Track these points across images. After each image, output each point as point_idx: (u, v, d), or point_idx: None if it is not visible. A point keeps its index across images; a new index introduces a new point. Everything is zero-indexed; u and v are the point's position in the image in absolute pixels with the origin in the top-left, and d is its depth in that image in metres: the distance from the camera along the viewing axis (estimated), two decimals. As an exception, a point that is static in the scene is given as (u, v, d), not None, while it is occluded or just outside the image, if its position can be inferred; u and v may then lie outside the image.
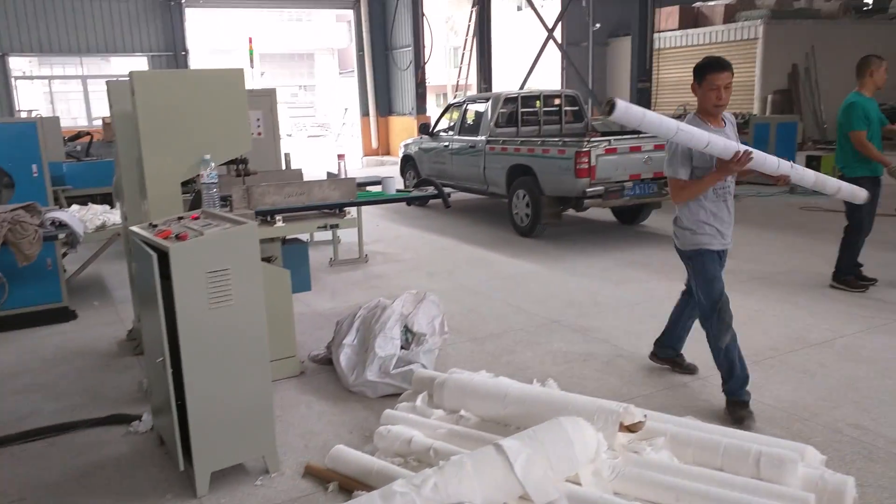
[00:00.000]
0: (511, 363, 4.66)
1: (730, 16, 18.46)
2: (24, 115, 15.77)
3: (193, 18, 18.96)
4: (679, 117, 13.33)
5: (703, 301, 3.84)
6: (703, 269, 3.83)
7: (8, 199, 5.58)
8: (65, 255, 6.42)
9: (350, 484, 3.14)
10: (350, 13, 21.41)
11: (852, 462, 3.27)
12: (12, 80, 16.47)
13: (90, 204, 6.86)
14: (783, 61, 17.70)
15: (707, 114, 3.69)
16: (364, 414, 3.93)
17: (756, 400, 3.86)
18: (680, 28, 19.39)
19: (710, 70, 3.57)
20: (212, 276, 2.99)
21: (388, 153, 20.53)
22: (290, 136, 37.63)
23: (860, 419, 3.67)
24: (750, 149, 3.54)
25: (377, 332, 4.21)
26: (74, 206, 6.89)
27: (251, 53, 8.15)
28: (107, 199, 8.40)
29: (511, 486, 2.75)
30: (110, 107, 4.65)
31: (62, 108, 19.79)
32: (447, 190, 11.11)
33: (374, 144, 21.09)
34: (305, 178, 4.90)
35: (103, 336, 5.52)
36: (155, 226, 3.30)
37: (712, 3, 19.46)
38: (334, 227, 4.45)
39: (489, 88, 17.95)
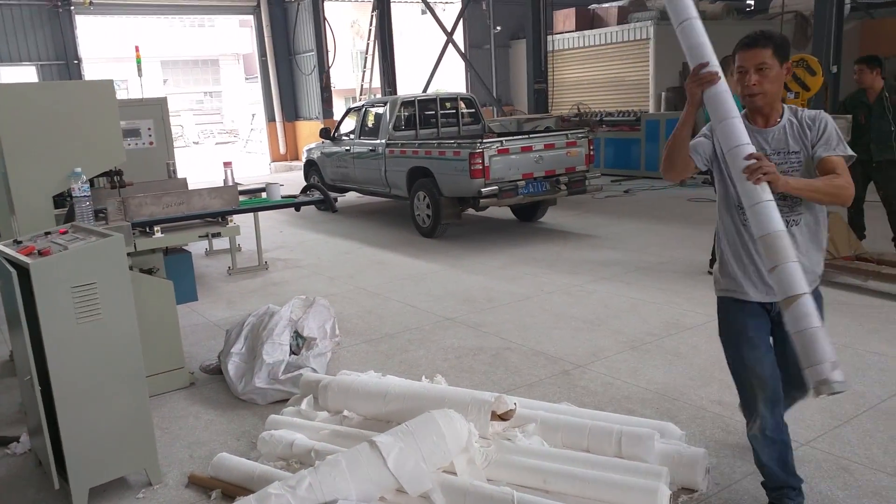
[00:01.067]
0: (404, 362, 4.78)
1: (623, 17, 19.23)
2: None
3: (86, 26, 18.22)
4: (576, 116, 13.73)
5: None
6: (722, 324, 2.86)
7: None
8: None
9: (233, 490, 3.17)
10: (250, 18, 21.08)
11: (711, 435, 3.55)
12: None
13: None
14: (674, 60, 18.59)
15: (750, 108, 2.68)
16: (253, 421, 3.95)
17: (631, 383, 4.11)
18: (577, 30, 20.05)
19: (737, 49, 2.63)
20: (77, 290, 2.96)
21: (296, 158, 20.31)
22: (196, 143, 36.60)
23: (723, 396, 3.96)
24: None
25: (265, 339, 4.24)
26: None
27: (139, 62, 7.90)
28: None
29: (385, 480, 2.86)
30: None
31: None
32: (350, 193, 11.22)
33: (283, 150, 20.83)
34: (205, 186, 4.86)
35: None
36: (20, 242, 3.24)
37: (606, 4, 20.21)
38: (216, 235, 4.44)
39: (393, 92, 18.06)
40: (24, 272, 2.93)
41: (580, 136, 8.80)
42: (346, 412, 3.61)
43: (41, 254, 2.98)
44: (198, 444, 3.73)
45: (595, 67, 19.38)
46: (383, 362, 4.77)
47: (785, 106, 2.70)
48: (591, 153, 8.89)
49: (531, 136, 8.19)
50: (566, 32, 20.15)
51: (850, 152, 2.59)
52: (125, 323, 3.12)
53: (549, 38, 18.13)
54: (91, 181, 4.08)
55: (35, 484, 3.41)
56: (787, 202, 2.61)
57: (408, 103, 10.31)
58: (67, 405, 3.01)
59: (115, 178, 4.29)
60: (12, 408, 4.34)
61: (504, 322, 5.53)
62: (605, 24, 19.77)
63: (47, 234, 3.38)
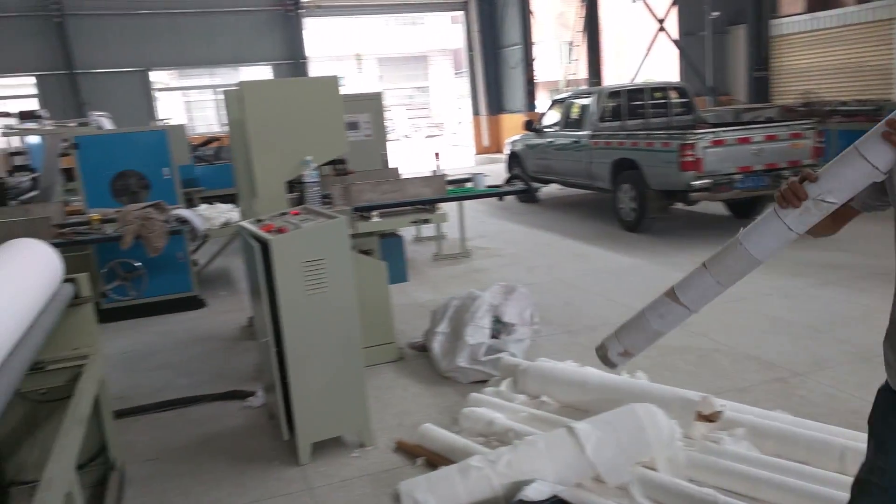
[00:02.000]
0: (602, 355, 4.72)
1: (863, -4, 17.25)
2: (158, 125, 17.23)
3: (311, 27, 19.94)
4: (804, 105, 12.34)
5: None
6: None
7: (144, 198, 6.26)
8: (196, 249, 7.07)
9: (436, 459, 3.36)
10: (460, 14, 21.78)
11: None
12: (153, 92, 18.02)
13: (216, 203, 7.49)
14: (925, 41, 16.35)
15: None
16: (455, 398, 4.14)
17: (859, 397, 3.73)
18: (807, 11, 18.31)
19: None
20: (308, 265, 3.29)
21: (499, 150, 20.69)
22: (407, 136, 38.60)
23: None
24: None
25: (468, 322, 4.41)
26: (203, 206, 7.56)
27: (358, 60, 8.60)
28: (232, 199, 9.11)
29: (583, 467, 2.87)
30: (227, 113, 5.12)
31: (198, 116, 21.36)
32: (551, 185, 11.22)
33: (486, 142, 21.32)
34: (409, 177, 5.17)
35: (227, 322, 6.06)
36: (261, 220, 3.66)
37: (844, -18, 18.24)
38: (425, 221, 4.68)
39: (599, 83, 17.72)
40: (264, 247, 3.31)
41: (807, 126, 8.05)
42: (544, 397, 3.66)
43: (279, 231, 3.35)
44: (405, 413, 3.98)
45: (827, 52, 17.57)
46: (581, 353, 4.74)
47: None
48: (821, 145, 8.10)
49: (750, 126, 7.63)
50: (793, 15, 18.48)
51: None
52: (346, 297, 3.41)
53: (773, 22, 16.73)
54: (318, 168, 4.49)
55: (268, 434, 3.86)
56: None
57: (614, 94, 10.09)
58: (297, 366, 3.37)
59: (338, 166, 4.68)
60: (249, 367, 4.92)
61: (713, 322, 5.24)
62: (841, 5, 17.84)
63: (282, 214, 3.78)
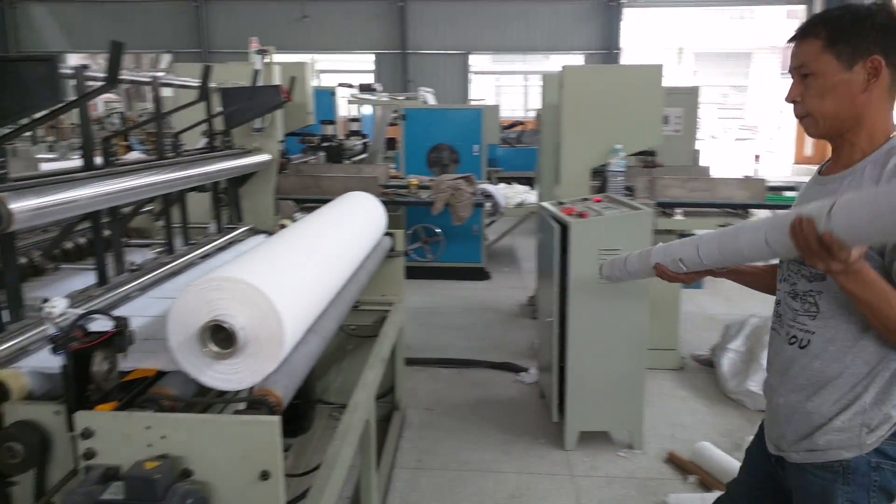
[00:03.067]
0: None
1: None
2: (473, 104, 18.33)
3: (629, 18, 19.61)
4: None
5: None
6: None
7: (453, 171, 6.74)
8: (489, 224, 7.44)
9: (710, 481, 3.14)
10: (800, 8, 19.73)
11: None
12: (470, 74, 19.24)
13: (514, 184, 7.80)
14: None
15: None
16: (739, 422, 3.82)
17: None
18: None
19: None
20: (603, 253, 3.24)
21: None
22: (714, 137, 36.34)
23: None
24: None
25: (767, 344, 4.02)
26: (501, 185, 7.92)
27: (680, 53, 8.19)
28: (528, 182, 9.41)
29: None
30: (542, 97, 5.25)
31: (505, 100, 22.37)
32: None
33: (809, 151, 19.20)
34: (722, 177, 4.85)
35: (508, 297, 6.30)
36: (562, 203, 3.70)
37: None
38: (734, 226, 4.33)
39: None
40: (563, 229, 3.34)
41: None
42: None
43: (580, 216, 3.35)
44: (680, 426, 3.78)
45: None
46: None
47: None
48: None
49: None
50: None
51: None
52: (638, 293, 3.31)
53: None
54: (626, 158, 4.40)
55: (536, 412, 3.94)
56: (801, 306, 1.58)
57: None
58: (578, 352, 3.37)
59: (647, 158, 4.54)
60: (524, 344, 5.06)
61: None
62: None
63: (584, 199, 3.78)
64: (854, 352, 1.51)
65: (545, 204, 3.77)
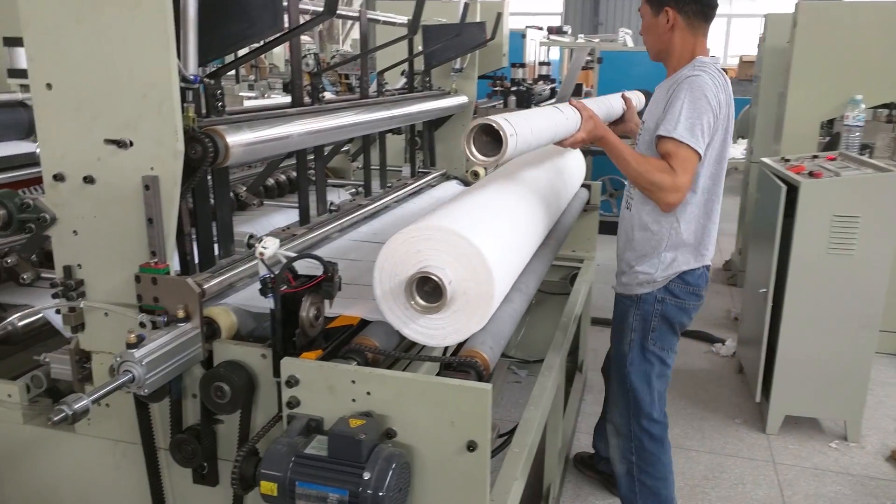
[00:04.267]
0: None
1: None
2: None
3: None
4: None
5: None
6: None
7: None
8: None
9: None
10: None
11: None
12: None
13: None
14: None
15: None
16: (981, 425, 3.25)
17: None
18: None
19: None
20: (838, 220, 2.82)
21: None
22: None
23: None
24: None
25: None
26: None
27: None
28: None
29: None
30: (762, 41, 4.66)
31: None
32: None
33: None
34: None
35: (701, 260, 5.83)
36: (787, 160, 3.25)
37: None
38: None
39: None
40: (791, 190, 2.93)
41: None
42: None
43: (812, 175, 2.92)
44: (906, 421, 3.29)
45: None
46: None
47: (696, 61, 2.10)
48: None
49: None
50: None
51: (690, 141, 1.96)
52: (877, 267, 2.85)
53: None
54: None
55: (732, 388, 3.60)
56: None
57: None
58: (793, 329, 2.99)
59: (892, 111, 3.89)
60: (718, 312, 4.65)
61: None
62: None
63: (814, 157, 3.30)
64: (646, 212, 2.16)
65: (767, 160, 3.34)
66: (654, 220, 2.14)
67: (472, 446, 1.21)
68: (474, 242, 1.40)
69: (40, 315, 1.70)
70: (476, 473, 1.22)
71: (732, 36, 18.61)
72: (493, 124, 1.59)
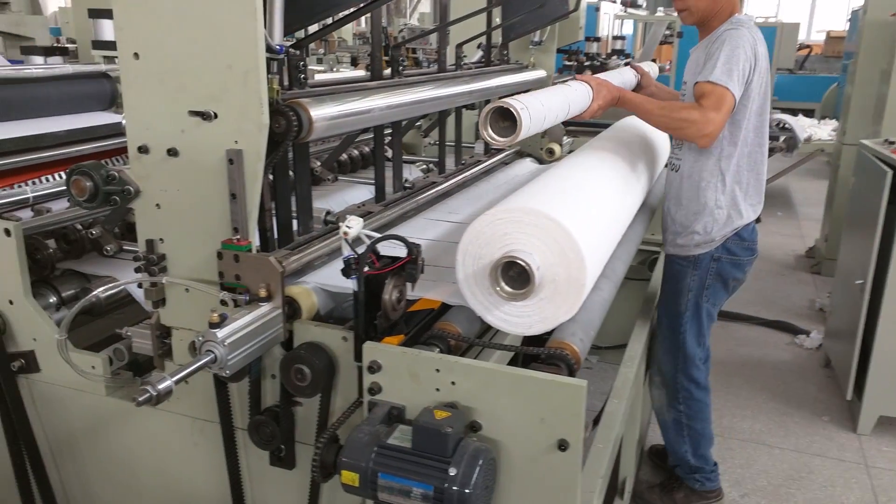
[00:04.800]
0: None
1: None
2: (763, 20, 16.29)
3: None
4: None
5: None
6: None
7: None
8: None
9: None
10: None
11: None
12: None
13: (800, 115, 6.78)
14: None
15: None
16: None
17: None
18: None
19: None
20: (951, 208, 2.60)
21: None
22: None
23: None
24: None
25: None
26: (784, 115, 6.95)
27: None
28: (808, 115, 8.19)
29: None
30: (863, 13, 4.35)
31: (785, 17, 19.77)
32: None
33: None
34: None
35: (782, 245, 5.57)
36: (892, 142, 3.02)
37: None
38: None
39: None
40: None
41: None
42: None
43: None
44: None
45: None
46: None
47: (733, 19, 2.13)
48: None
49: None
50: None
51: (726, 83, 1.98)
52: None
53: None
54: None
55: (817, 383, 3.41)
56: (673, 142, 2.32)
57: None
58: (891, 323, 2.79)
59: None
60: (802, 302, 4.43)
61: None
62: None
63: (920, 139, 3.06)
64: (694, 170, 2.17)
65: (867, 142, 3.11)
66: (701, 177, 2.16)
67: (563, 445, 1.13)
68: (565, 226, 1.32)
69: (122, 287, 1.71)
70: (567, 474, 1.15)
71: (818, 10, 17.66)
72: (504, 104, 1.61)
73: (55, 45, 6.94)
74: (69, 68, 2.74)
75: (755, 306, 4.29)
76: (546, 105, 1.75)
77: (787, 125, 5.12)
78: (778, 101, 9.18)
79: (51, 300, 1.79)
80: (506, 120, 1.64)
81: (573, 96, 1.98)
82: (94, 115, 2.46)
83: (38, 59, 3.47)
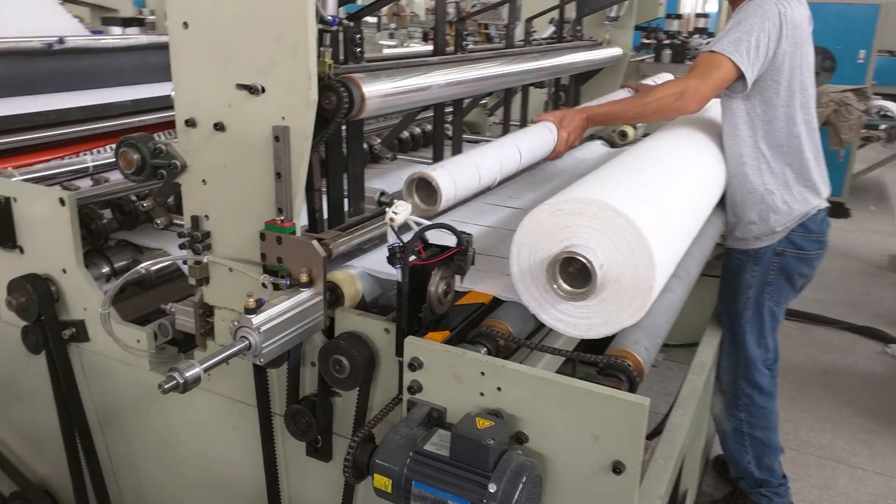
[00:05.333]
0: None
1: None
2: None
3: None
4: None
5: None
6: None
7: (825, 81, 5.55)
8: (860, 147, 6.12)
9: None
10: None
11: None
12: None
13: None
14: None
15: None
16: None
17: None
18: None
19: None
20: None
21: None
22: None
23: None
24: None
25: None
26: (885, 102, 6.47)
27: None
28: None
29: None
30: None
31: None
32: None
33: None
34: None
35: (874, 244, 5.20)
36: None
37: None
38: None
39: None
40: None
41: None
42: None
43: None
44: None
45: None
46: None
47: None
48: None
49: None
50: None
51: (730, 53, 1.83)
52: None
53: None
54: None
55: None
56: None
57: None
58: None
59: None
60: (894, 305, 4.12)
61: None
62: None
63: None
64: (737, 152, 1.99)
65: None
66: (742, 161, 1.99)
67: (618, 468, 1.02)
68: (634, 220, 1.19)
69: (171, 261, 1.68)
70: (621, 501, 1.04)
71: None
72: (426, 176, 1.42)
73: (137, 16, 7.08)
74: (144, 39, 2.75)
75: (841, 309, 4.01)
76: (481, 167, 1.59)
77: (888, 112, 4.73)
78: (877, 85, 8.58)
79: (103, 270, 1.78)
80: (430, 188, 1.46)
81: (526, 143, 1.81)
82: (165, 86, 2.45)
83: (117, 30, 3.52)
